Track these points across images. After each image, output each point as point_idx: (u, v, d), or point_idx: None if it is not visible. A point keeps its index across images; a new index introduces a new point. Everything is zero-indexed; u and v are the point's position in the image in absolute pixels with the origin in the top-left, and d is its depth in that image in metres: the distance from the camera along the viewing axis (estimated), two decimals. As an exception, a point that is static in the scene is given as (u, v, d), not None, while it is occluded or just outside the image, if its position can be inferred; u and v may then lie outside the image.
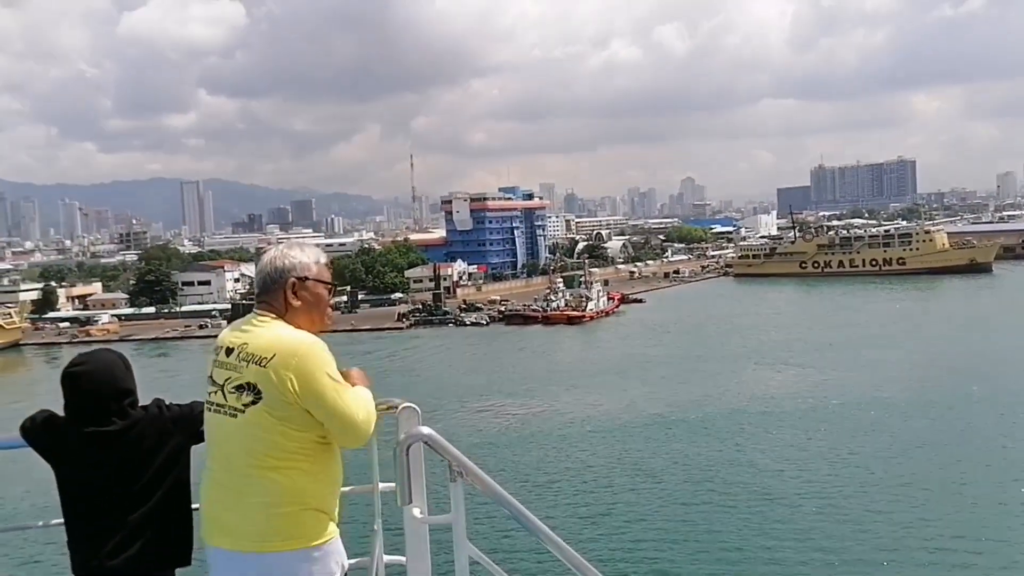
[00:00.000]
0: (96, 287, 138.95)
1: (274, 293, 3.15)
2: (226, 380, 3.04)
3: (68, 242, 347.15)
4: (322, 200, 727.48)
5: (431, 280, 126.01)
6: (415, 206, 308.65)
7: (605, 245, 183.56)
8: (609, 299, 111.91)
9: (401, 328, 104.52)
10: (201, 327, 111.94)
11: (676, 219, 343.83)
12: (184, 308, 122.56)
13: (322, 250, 3.36)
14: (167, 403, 3.34)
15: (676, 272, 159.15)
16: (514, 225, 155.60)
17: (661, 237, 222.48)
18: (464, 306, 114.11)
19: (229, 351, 3.08)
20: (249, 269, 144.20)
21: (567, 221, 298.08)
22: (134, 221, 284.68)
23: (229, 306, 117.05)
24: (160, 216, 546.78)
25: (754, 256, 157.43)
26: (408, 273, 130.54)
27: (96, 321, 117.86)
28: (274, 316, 3.11)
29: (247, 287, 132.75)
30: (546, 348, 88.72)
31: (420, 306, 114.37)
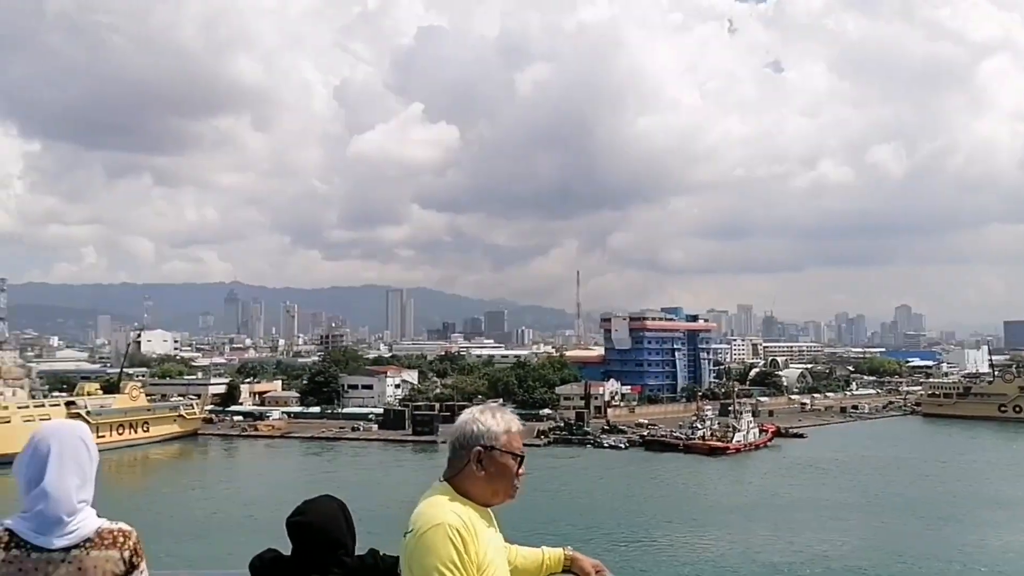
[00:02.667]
0: (276, 384, 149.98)
1: (458, 459, 3.14)
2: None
3: (282, 341, 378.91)
4: (516, 312, 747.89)
5: (581, 398, 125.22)
6: (579, 322, 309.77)
7: (780, 373, 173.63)
8: (761, 431, 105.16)
9: (538, 445, 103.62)
10: (354, 429, 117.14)
11: (883, 348, 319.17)
12: (345, 410, 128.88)
13: (516, 417, 3.32)
14: (381, 553, 3.45)
15: (854, 407, 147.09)
16: (675, 347, 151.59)
17: (850, 368, 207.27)
18: (607, 427, 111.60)
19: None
20: (411, 376, 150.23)
21: (754, 345, 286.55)
22: (332, 324, 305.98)
23: (382, 411, 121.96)
24: (367, 320, 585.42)
25: (945, 395, 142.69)
26: (559, 389, 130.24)
27: (267, 417, 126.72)
28: (446, 483, 3.12)
29: (405, 393, 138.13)
30: (676, 479, 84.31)
31: (561, 424, 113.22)
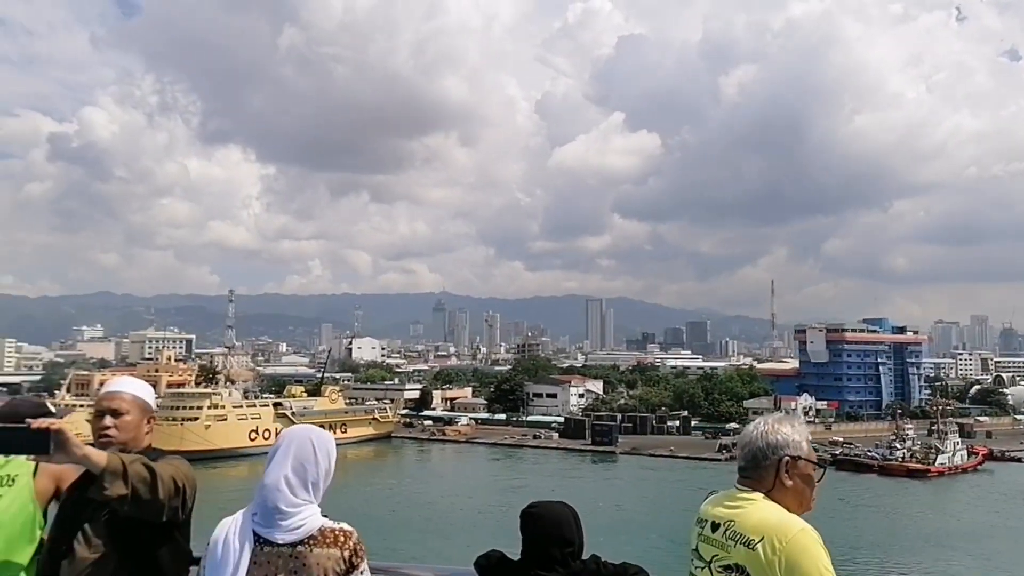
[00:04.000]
0: (467, 391, 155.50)
1: (763, 469, 3.09)
2: (713, 557, 3.05)
3: (483, 349, 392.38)
4: (721, 322, 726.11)
5: (771, 412, 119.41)
6: (775, 333, 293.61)
7: (1005, 391, 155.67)
8: (970, 453, 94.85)
9: (719, 460, 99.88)
10: (535, 437, 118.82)
11: None
12: (529, 418, 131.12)
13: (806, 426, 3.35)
14: (602, 560, 3.45)
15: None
16: (879, 360, 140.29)
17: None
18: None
19: (715, 526, 3.09)
20: (596, 386, 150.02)
21: (983, 360, 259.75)
22: (529, 334, 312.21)
23: (563, 419, 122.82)
24: (567, 330, 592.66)
25: None
26: (747, 403, 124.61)
27: (456, 422, 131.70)
28: (761, 493, 3.07)
29: (589, 402, 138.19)
30: (865, 501, 77.91)
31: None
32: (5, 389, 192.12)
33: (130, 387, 3.61)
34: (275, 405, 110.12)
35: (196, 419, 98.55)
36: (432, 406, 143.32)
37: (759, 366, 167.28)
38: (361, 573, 3.08)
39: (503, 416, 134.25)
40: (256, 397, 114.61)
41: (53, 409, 4.03)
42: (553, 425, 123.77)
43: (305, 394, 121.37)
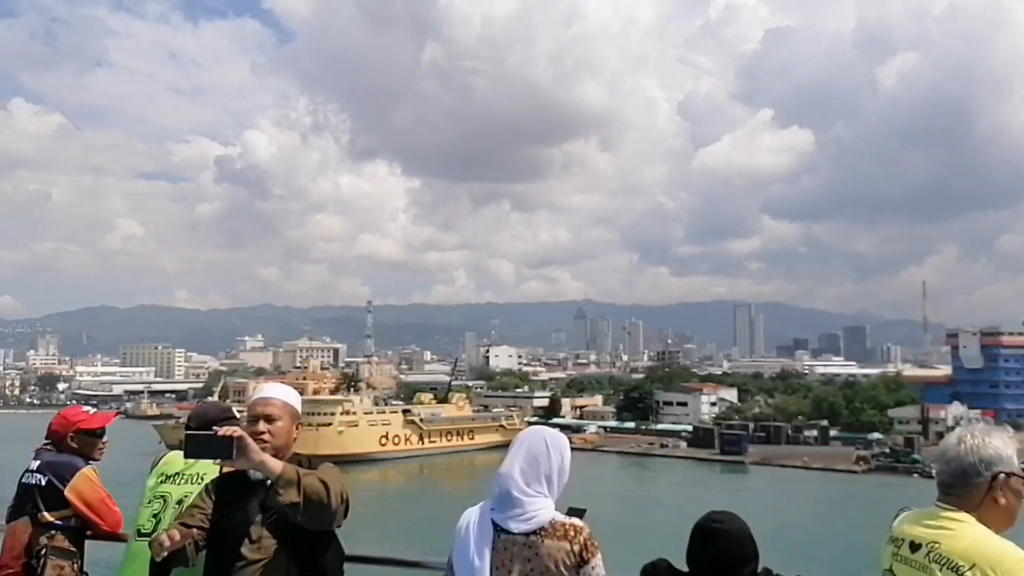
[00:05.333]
0: (597, 399, 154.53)
1: (973, 487, 2.78)
2: None
3: (624, 357, 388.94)
4: (883, 326, 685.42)
5: (919, 422, 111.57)
6: (927, 337, 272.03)
7: None
8: None
9: (855, 472, 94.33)
10: (662, 445, 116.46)
11: None
12: (658, 426, 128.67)
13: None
14: (775, 573, 3.25)
15: None
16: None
17: None
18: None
19: (915, 547, 2.80)
20: (730, 394, 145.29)
21: None
22: (669, 341, 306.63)
23: (691, 428, 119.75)
24: (715, 337, 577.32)
25: None
26: (892, 412, 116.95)
27: (584, 430, 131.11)
28: (967, 513, 2.76)
29: (721, 411, 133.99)
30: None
31: (888, 450, 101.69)
32: (174, 396, 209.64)
33: (282, 393, 3.72)
34: (404, 412, 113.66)
35: (330, 424, 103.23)
36: (561, 414, 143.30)
37: (908, 373, 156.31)
38: (593, 568, 3.14)
39: (632, 424, 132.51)
40: (385, 404, 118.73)
41: (236, 414, 4.47)
42: (682, 434, 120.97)
43: (434, 401, 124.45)
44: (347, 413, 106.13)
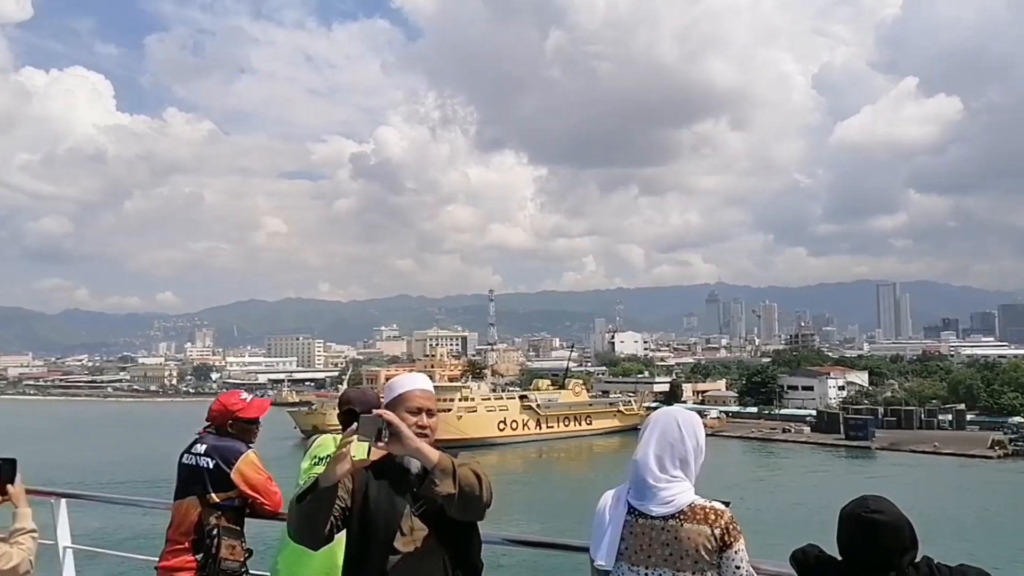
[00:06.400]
0: (720, 384, 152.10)
1: None
2: None
3: (757, 340, 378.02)
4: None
5: None
6: None
7: None
8: None
9: (989, 457, 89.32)
10: (784, 431, 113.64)
11: None
12: (782, 411, 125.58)
13: None
14: (936, 562, 3.00)
15: None
16: None
17: None
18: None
19: None
20: (860, 377, 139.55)
21: None
22: (802, 323, 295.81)
23: (815, 413, 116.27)
24: (858, 318, 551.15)
25: None
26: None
27: (705, 415, 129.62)
28: None
29: (850, 395, 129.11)
30: None
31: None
32: (312, 384, 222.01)
33: (431, 385, 3.67)
34: (521, 398, 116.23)
35: (449, 410, 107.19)
36: (682, 399, 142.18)
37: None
38: (736, 552, 3.09)
39: (754, 409, 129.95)
40: (503, 390, 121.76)
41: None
42: (806, 419, 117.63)
43: (551, 388, 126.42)
44: (465, 399, 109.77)
